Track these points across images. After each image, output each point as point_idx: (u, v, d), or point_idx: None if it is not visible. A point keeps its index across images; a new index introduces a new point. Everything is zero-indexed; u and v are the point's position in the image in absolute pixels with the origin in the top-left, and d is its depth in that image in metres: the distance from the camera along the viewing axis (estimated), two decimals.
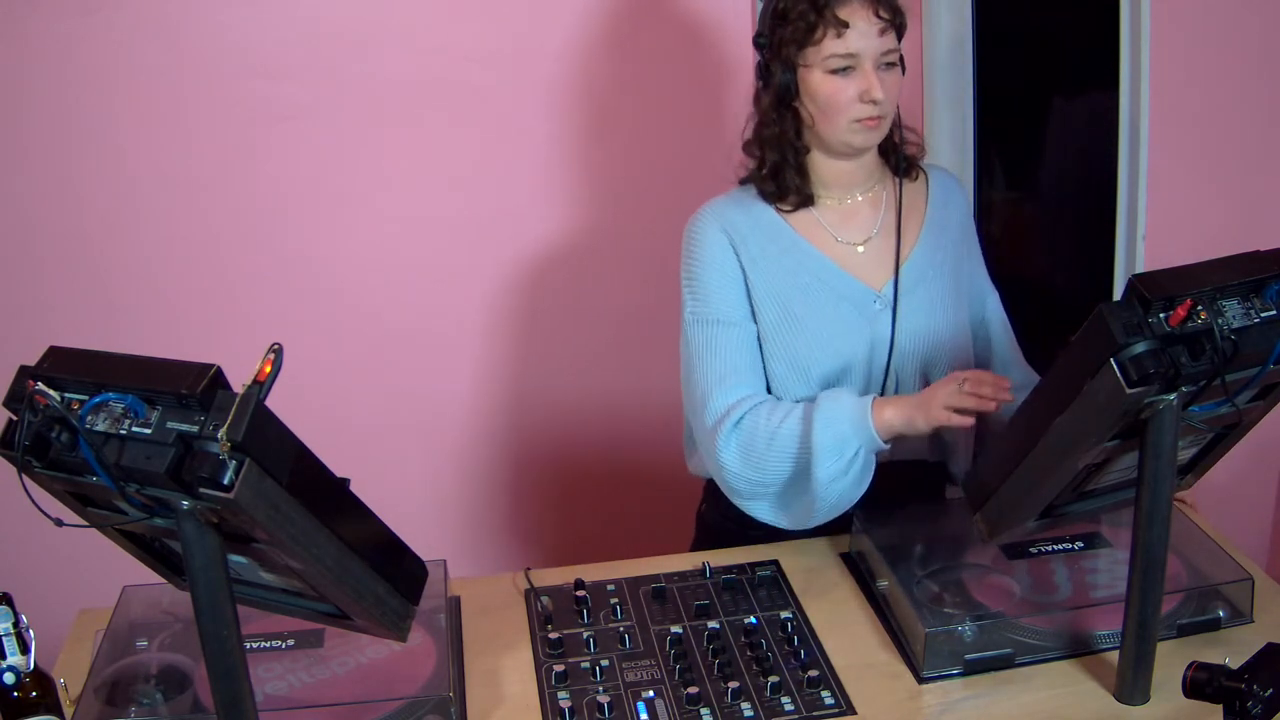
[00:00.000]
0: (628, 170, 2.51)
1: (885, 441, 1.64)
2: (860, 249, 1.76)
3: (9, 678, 1.29)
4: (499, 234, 2.49)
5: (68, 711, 1.36)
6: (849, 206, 1.77)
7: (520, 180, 2.47)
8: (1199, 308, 1.26)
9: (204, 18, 2.25)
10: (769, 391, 1.76)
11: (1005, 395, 1.57)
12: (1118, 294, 2.02)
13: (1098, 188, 2.44)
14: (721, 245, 1.74)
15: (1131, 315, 1.26)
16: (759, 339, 1.75)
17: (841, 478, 1.65)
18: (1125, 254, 2.42)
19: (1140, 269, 2.23)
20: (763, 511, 1.74)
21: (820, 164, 1.75)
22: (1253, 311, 1.29)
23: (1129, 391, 1.24)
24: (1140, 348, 1.25)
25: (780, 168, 1.73)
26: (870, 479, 1.69)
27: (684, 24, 2.43)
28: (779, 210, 1.76)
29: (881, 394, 1.75)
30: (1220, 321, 1.26)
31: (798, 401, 1.71)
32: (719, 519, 1.89)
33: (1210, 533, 1.70)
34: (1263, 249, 1.32)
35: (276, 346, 1.10)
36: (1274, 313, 1.29)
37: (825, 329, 1.72)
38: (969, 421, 1.60)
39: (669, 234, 2.55)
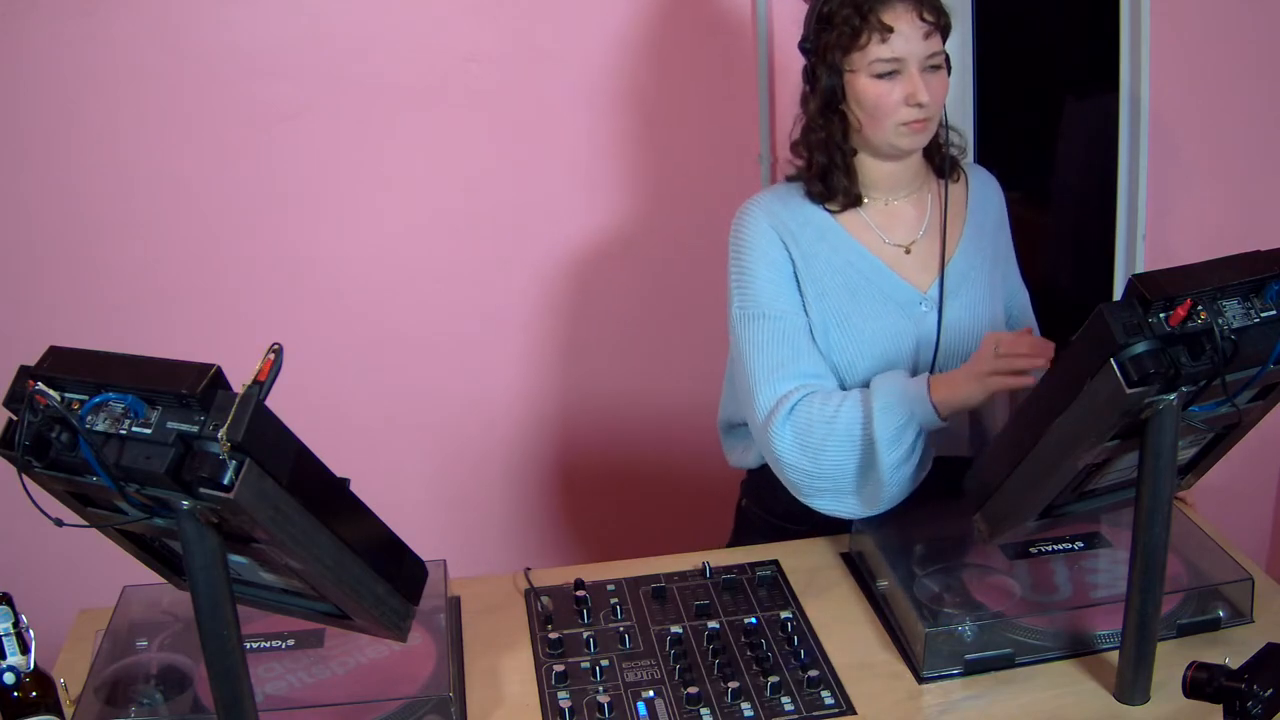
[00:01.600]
0: (628, 170, 2.51)
1: (944, 419, 1.64)
2: (907, 250, 1.77)
3: (9, 678, 1.29)
4: (499, 234, 2.49)
5: (68, 711, 1.36)
6: (894, 208, 1.78)
7: (520, 180, 2.47)
8: (1199, 308, 1.26)
9: (204, 18, 2.25)
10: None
11: (1039, 359, 1.56)
12: (1118, 294, 2.03)
13: (1098, 188, 2.44)
14: (771, 239, 1.74)
15: (1131, 315, 1.26)
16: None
17: (906, 463, 1.65)
18: (1125, 254, 2.42)
19: (1140, 269, 2.24)
20: (827, 504, 1.71)
21: (866, 165, 1.75)
22: (1253, 311, 1.29)
23: (1129, 391, 1.24)
24: (1140, 348, 1.25)
25: (828, 169, 1.74)
26: (931, 457, 1.69)
27: (688, 21, 2.43)
28: (827, 209, 1.76)
29: None
30: (1220, 321, 1.26)
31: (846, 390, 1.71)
32: (762, 515, 1.90)
33: (1210, 533, 1.70)
34: (1263, 249, 1.32)
35: (276, 346, 1.10)
36: (1274, 313, 1.29)
37: (872, 329, 1.73)
38: (1027, 380, 1.57)
39: (675, 235, 2.56)
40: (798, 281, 1.74)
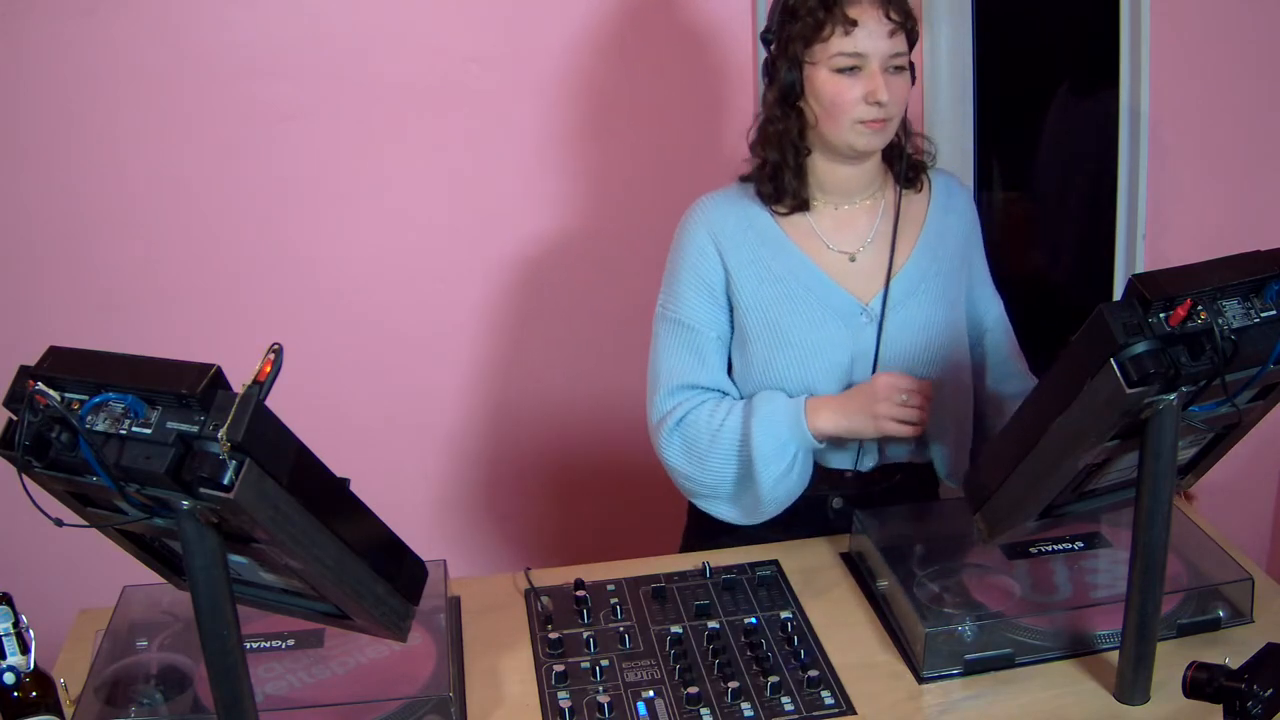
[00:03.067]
0: (629, 171, 2.51)
1: (822, 442, 1.69)
2: (852, 259, 1.75)
3: (9, 678, 1.29)
4: (499, 234, 2.49)
5: (68, 711, 1.36)
6: (845, 213, 1.75)
7: (521, 180, 2.47)
8: (1199, 308, 1.26)
9: (204, 18, 2.25)
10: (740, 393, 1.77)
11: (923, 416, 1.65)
12: (1118, 294, 2.03)
13: (1098, 188, 2.44)
14: (705, 251, 1.74)
15: (1131, 315, 1.25)
16: (740, 341, 1.75)
17: (785, 478, 1.70)
18: (1125, 254, 2.42)
19: (1140, 269, 2.24)
20: (711, 508, 1.78)
21: (821, 167, 1.73)
22: (1253, 311, 1.29)
23: (1129, 391, 1.24)
24: (1140, 348, 1.25)
25: (779, 169, 1.72)
26: (811, 469, 1.74)
27: (682, 24, 2.43)
28: (774, 213, 1.75)
29: None
30: (1220, 321, 1.26)
31: (739, 399, 1.75)
32: (707, 516, 1.89)
33: (1210, 533, 1.70)
34: (1263, 249, 1.32)
35: (276, 346, 1.10)
36: (1274, 313, 1.29)
37: (805, 339, 1.71)
38: (914, 431, 1.65)
39: (670, 234, 2.56)
40: (729, 294, 1.74)
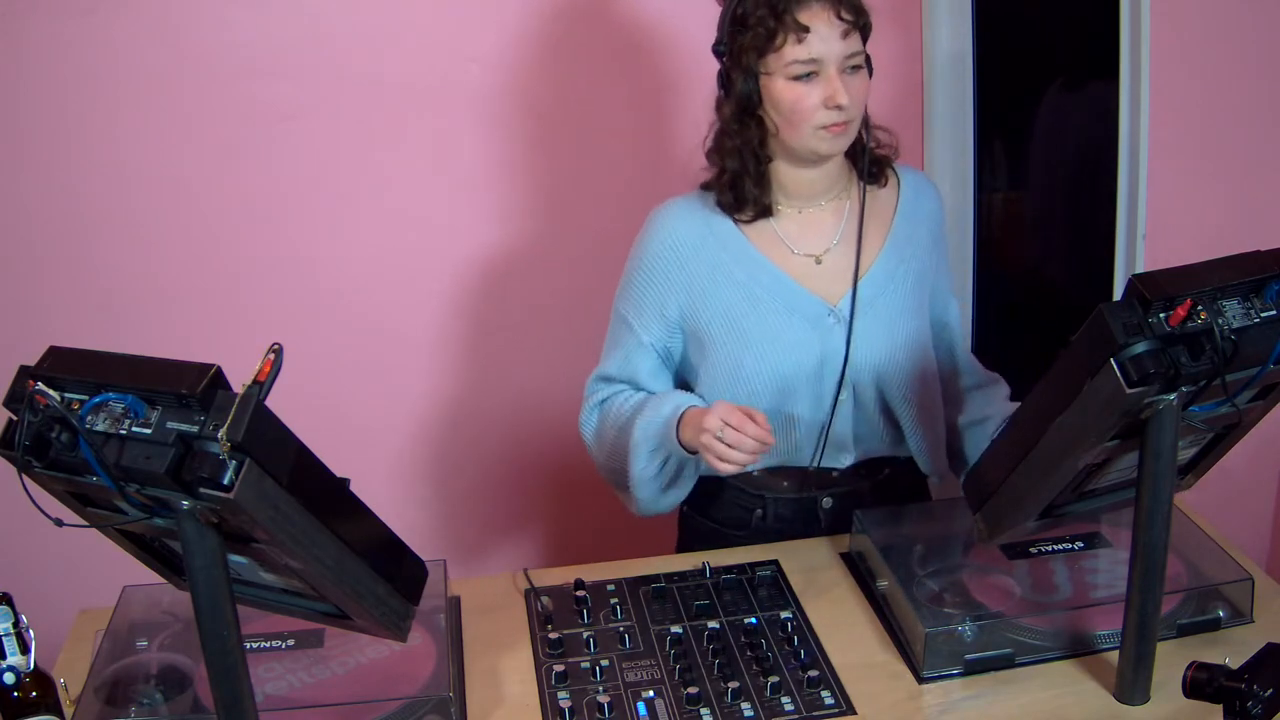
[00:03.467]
0: (628, 171, 2.51)
1: (690, 453, 1.67)
2: (818, 261, 1.73)
3: (9, 678, 1.29)
4: (499, 233, 2.49)
5: (68, 711, 1.36)
6: (809, 216, 1.73)
7: (521, 180, 2.47)
8: (1199, 308, 1.26)
9: (204, 18, 2.25)
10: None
11: (746, 458, 1.58)
12: (1118, 294, 2.02)
13: (1097, 187, 2.43)
14: (664, 263, 1.73)
15: (1131, 315, 1.25)
16: (704, 349, 1.75)
17: (654, 480, 1.74)
18: (1125, 254, 2.41)
19: (1140, 269, 2.23)
20: (622, 496, 1.83)
21: (783, 172, 1.71)
22: (1253, 311, 1.29)
23: (1129, 391, 1.24)
24: (1140, 348, 1.25)
25: (739, 178, 1.69)
26: (689, 486, 1.77)
27: (683, 24, 2.43)
28: (736, 221, 1.72)
29: (834, 408, 1.74)
30: (1220, 321, 1.26)
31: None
32: (699, 520, 1.90)
33: (1210, 533, 1.70)
34: (1263, 249, 1.32)
35: (276, 346, 1.10)
36: (1274, 313, 1.29)
37: (771, 343, 1.70)
38: (729, 468, 1.59)
39: None
40: (687, 302, 1.73)
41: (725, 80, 1.67)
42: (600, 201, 2.52)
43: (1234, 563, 1.59)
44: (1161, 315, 1.26)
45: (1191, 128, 2.40)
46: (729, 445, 1.56)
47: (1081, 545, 1.68)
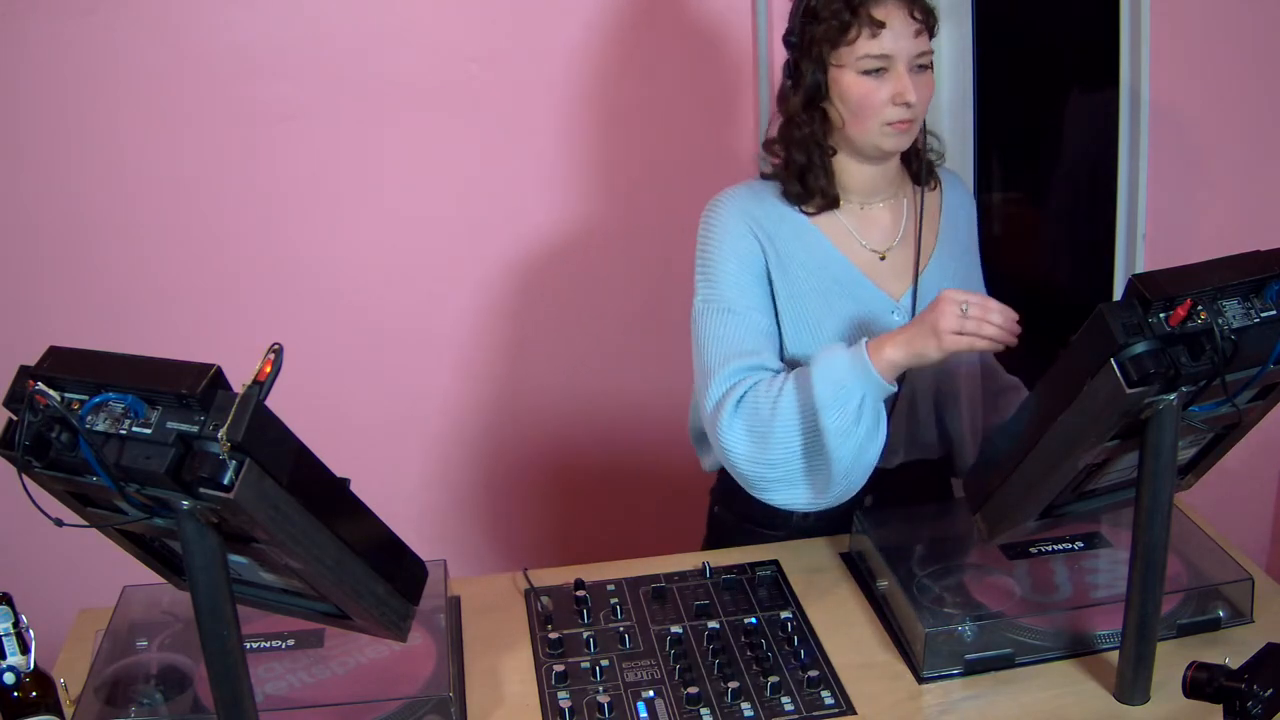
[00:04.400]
0: (629, 170, 2.51)
1: (892, 382, 1.56)
2: (882, 257, 1.75)
3: (9, 678, 1.29)
4: (499, 233, 2.49)
5: (68, 711, 1.36)
6: (870, 213, 1.75)
7: (520, 180, 2.47)
8: (1199, 308, 1.26)
9: (204, 18, 2.25)
10: None
11: (1008, 336, 1.50)
12: (1118, 294, 2.03)
13: (1098, 188, 2.44)
14: (742, 232, 1.69)
15: (1131, 315, 1.26)
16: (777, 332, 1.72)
17: (853, 430, 1.56)
18: (1125, 254, 2.42)
19: (1140, 269, 2.23)
20: (780, 495, 1.64)
21: (845, 167, 1.72)
22: (1253, 311, 1.29)
23: (1129, 391, 1.24)
24: (1140, 348, 1.25)
25: (806, 169, 1.70)
26: (885, 434, 1.60)
27: (682, 24, 2.43)
28: (802, 211, 1.73)
29: (893, 407, 1.72)
30: (1220, 321, 1.26)
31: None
32: (734, 519, 1.88)
33: (1210, 533, 1.70)
34: (1263, 249, 1.32)
35: (276, 346, 1.10)
36: (1274, 313, 1.29)
37: (843, 335, 1.70)
38: (992, 345, 1.51)
39: (670, 234, 2.56)
40: (770, 278, 1.70)
41: (794, 71, 1.68)
42: (599, 202, 2.52)
43: (1234, 563, 1.59)
44: (1161, 315, 1.26)
45: (1191, 128, 2.40)
46: (989, 321, 1.49)
47: (1081, 545, 1.68)
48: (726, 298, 1.68)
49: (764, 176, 1.76)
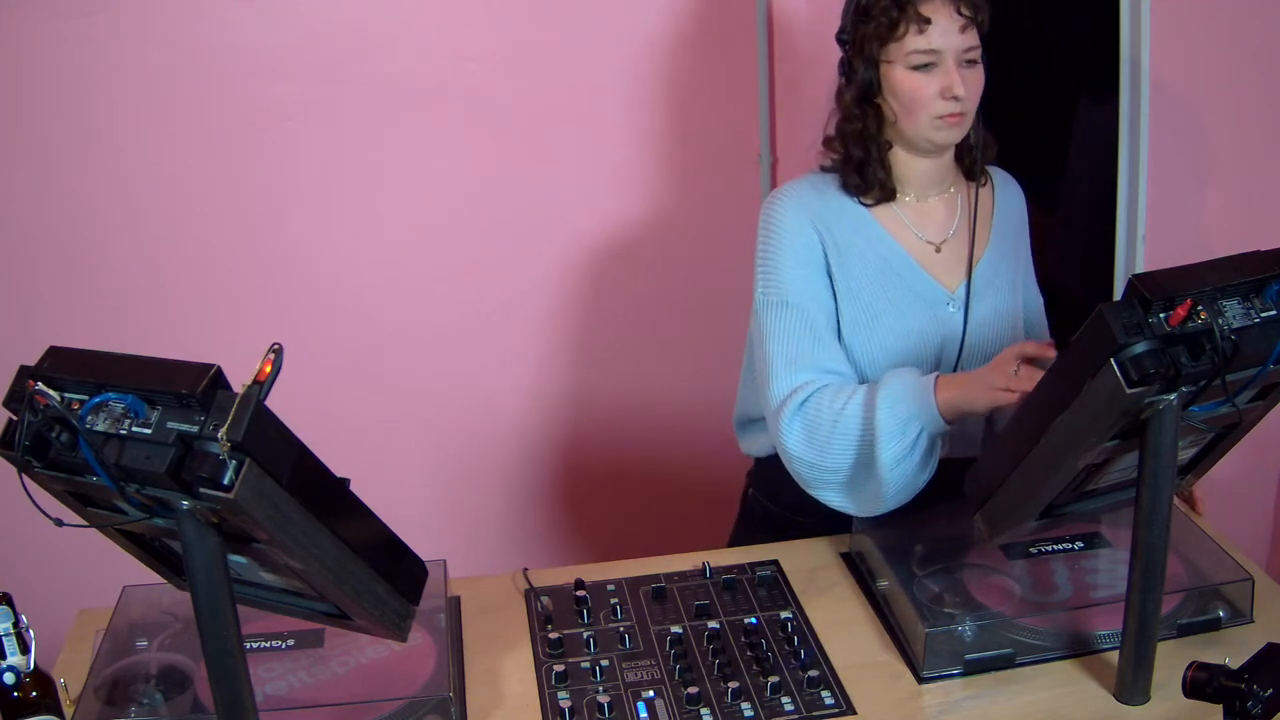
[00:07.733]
0: (630, 169, 2.51)
1: (949, 421, 1.61)
2: (938, 249, 1.77)
3: (9, 678, 1.29)
4: (497, 234, 2.49)
5: (68, 711, 1.36)
6: (925, 206, 1.78)
7: (520, 180, 2.47)
8: (1199, 308, 1.26)
9: (204, 18, 2.25)
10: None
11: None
12: (1118, 294, 2.02)
13: (1097, 188, 2.44)
14: (802, 226, 1.73)
15: (1131, 315, 1.26)
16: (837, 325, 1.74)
17: (906, 459, 1.62)
18: (1125, 254, 2.42)
19: (1140, 269, 2.23)
20: (832, 498, 1.71)
21: (900, 161, 1.75)
22: (1253, 311, 1.29)
23: (1129, 391, 1.24)
24: (1140, 348, 1.25)
25: (865, 162, 1.74)
26: (936, 462, 1.66)
27: (682, 24, 2.43)
28: (861, 203, 1.76)
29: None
30: (1220, 321, 1.26)
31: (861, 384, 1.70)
32: (767, 505, 1.91)
33: (1210, 533, 1.70)
34: (1263, 249, 1.32)
35: (276, 346, 1.10)
36: (1274, 313, 1.29)
37: (899, 326, 1.73)
38: (1015, 399, 1.55)
39: (674, 236, 2.56)
40: (829, 271, 1.73)
41: (847, 68, 1.73)
42: (599, 203, 2.52)
43: (1234, 563, 1.59)
44: (1161, 315, 1.26)
45: (1191, 128, 2.40)
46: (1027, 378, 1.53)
47: (1081, 545, 1.68)
48: (786, 291, 1.72)
49: (823, 169, 1.79)
